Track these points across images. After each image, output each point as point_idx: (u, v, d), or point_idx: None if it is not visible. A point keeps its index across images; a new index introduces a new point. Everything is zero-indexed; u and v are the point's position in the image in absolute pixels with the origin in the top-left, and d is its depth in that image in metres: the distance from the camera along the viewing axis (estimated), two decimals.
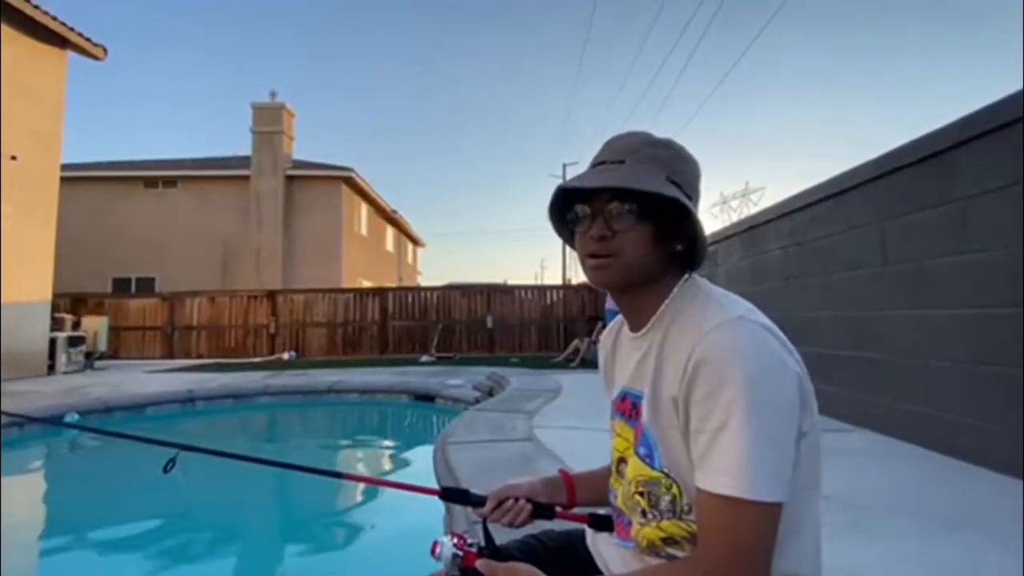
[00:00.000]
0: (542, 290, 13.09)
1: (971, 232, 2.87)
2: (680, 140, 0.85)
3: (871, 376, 3.68)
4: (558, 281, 26.41)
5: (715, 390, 0.68)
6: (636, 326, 0.87)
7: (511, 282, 13.62)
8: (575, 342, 9.97)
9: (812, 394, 0.74)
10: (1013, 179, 2.60)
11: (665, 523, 0.77)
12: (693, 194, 0.82)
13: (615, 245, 0.79)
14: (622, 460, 0.87)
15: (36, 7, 8.80)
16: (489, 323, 12.56)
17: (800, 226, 4.59)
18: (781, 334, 0.75)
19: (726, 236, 6.21)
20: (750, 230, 5.59)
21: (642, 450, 0.80)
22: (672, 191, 0.77)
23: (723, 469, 0.66)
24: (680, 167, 0.82)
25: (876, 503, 2.31)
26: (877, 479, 2.69)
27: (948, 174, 3.02)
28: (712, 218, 32.83)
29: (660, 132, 0.86)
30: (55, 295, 9.94)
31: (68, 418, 5.13)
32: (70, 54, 9.88)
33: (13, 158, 8.52)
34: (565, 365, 9.24)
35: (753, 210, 6.14)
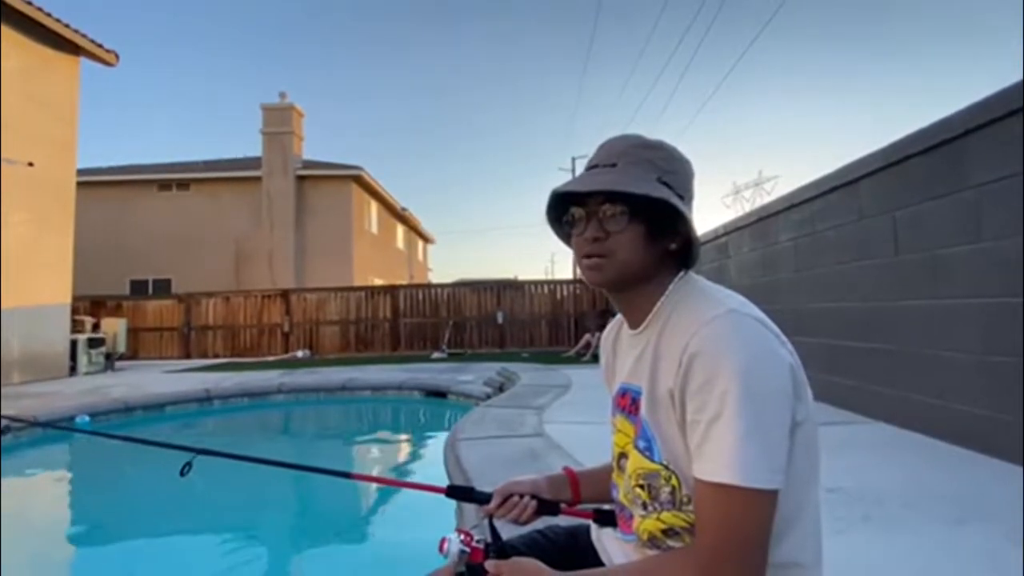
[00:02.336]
0: (552, 285, 13.07)
1: (983, 221, 2.82)
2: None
3: (883, 368, 3.64)
4: (568, 276, 26.32)
5: (709, 381, 0.69)
6: (634, 324, 0.88)
7: (521, 277, 13.59)
8: (586, 336, 9.97)
9: (806, 384, 0.75)
10: None
11: (665, 514, 0.79)
12: (685, 194, 0.84)
13: (609, 246, 0.81)
14: (623, 455, 0.89)
15: (48, 15, 8.95)
16: (500, 319, 12.59)
17: (810, 217, 4.54)
18: (773, 326, 0.76)
19: (736, 228, 6.16)
20: (760, 221, 5.54)
21: (642, 443, 0.82)
22: (662, 192, 0.79)
23: (717, 458, 0.68)
24: (671, 168, 0.83)
25: (888, 496, 2.29)
26: (889, 472, 2.67)
27: (959, 162, 2.98)
28: (725, 208, 32.50)
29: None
30: (74, 298, 10.15)
31: (79, 420, 5.20)
32: (83, 60, 10.04)
33: (30, 164, 8.69)
34: (576, 360, 9.25)
35: (767, 200, 6.08)
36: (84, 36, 9.66)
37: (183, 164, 18.26)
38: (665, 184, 0.80)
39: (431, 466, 4.08)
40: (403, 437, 5.95)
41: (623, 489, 0.89)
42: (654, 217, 0.80)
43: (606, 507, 1.02)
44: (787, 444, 0.70)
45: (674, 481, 0.78)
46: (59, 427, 4.20)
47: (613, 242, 0.80)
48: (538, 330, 12.62)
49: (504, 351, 12.09)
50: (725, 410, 0.67)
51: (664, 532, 0.80)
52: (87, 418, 5.38)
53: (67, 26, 9.31)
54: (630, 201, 0.79)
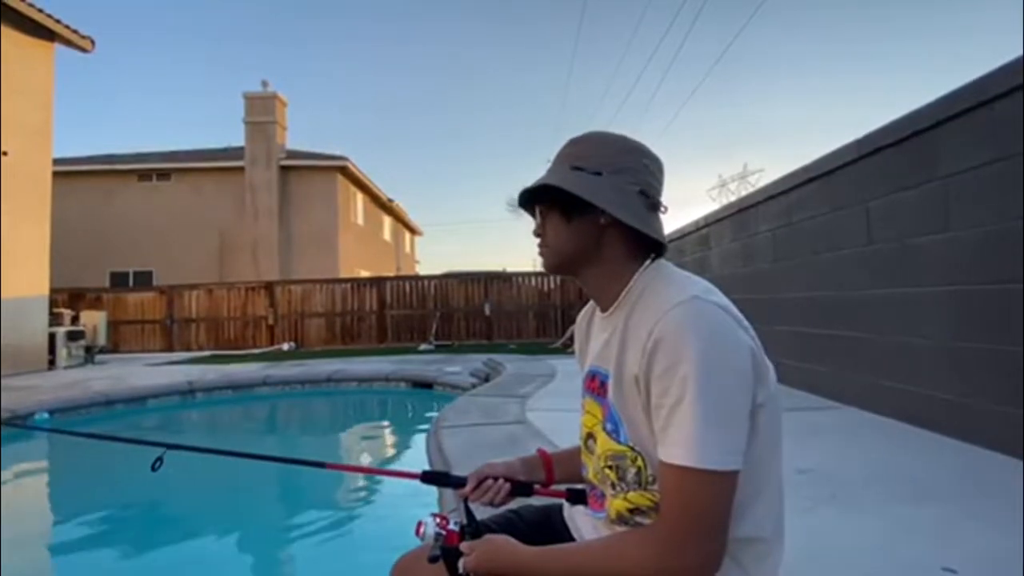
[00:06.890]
0: (540, 277, 13.09)
1: (952, 210, 2.91)
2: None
3: (856, 354, 3.75)
4: None
5: (671, 366, 0.73)
6: (603, 307, 0.93)
7: (509, 269, 13.57)
8: (572, 328, 10.05)
9: (768, 366, 0.79)
10: (993, 157, 2.64)
11: (632, 494, 0.83)
12: (602, 169, 0.86)
13: (545, 235, 0.94)
14: (591, 436, 0.93)
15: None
16: (487, 311, 12.62)
17: (787, 208, 4.63)
18: (736, 311, 0.79)
19: (717, 219, 6.24)
20: (740, 212, 5.63)
21: (609, 426, 0.86)
22: (563, 179, 0.87)
23: (679, 442, 0.71)
24: (584, 152, 0.89)
25: (854, 477, 2.38)
26: (857, 454, 2.77)
27: (930, 153, 3.06)
28: (711, 201, 32.74)
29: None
30: (52, 290, 9.97)
31: (38, 417, 5.02)
32: (57, 47, 9.78)
33: (4, 153, 8.48)
34: (562, 351, 9.32)
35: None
36: (59, 21, 9.41)
37: (164, 154, 17.87)
38: (578, 168, 0.87)
39: (415, 454, 4.12)
40: (389, 428, 5.98)
41: (592, 469, 0.93)
42: (563, 201, 0.88)
43: (579, 487, 1.05)
44: (746, 426, 0.73)
45: (640, 462, 0.81)
46: (22, 426, 3.98)
47: (546, 232, 0.93)
48: (525, 322, 12.67)
49: (491, 343, 12.13)
50: (686, 395, 0.70)
51: (631, 511, 0.84)
52: (46, 415, 5.18)
53: (41, 11, 9.05)
54: (546, 194, 0.90)
